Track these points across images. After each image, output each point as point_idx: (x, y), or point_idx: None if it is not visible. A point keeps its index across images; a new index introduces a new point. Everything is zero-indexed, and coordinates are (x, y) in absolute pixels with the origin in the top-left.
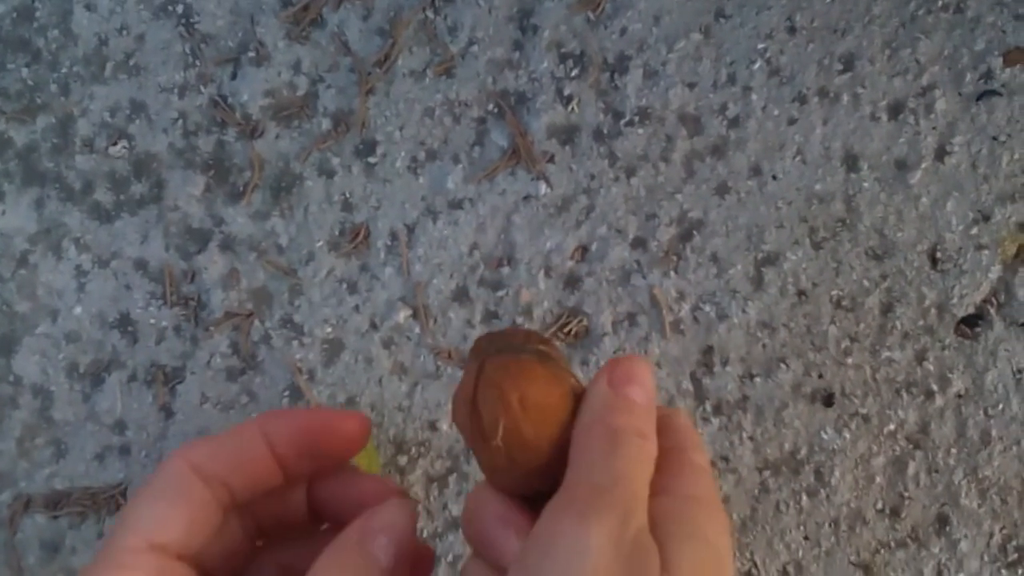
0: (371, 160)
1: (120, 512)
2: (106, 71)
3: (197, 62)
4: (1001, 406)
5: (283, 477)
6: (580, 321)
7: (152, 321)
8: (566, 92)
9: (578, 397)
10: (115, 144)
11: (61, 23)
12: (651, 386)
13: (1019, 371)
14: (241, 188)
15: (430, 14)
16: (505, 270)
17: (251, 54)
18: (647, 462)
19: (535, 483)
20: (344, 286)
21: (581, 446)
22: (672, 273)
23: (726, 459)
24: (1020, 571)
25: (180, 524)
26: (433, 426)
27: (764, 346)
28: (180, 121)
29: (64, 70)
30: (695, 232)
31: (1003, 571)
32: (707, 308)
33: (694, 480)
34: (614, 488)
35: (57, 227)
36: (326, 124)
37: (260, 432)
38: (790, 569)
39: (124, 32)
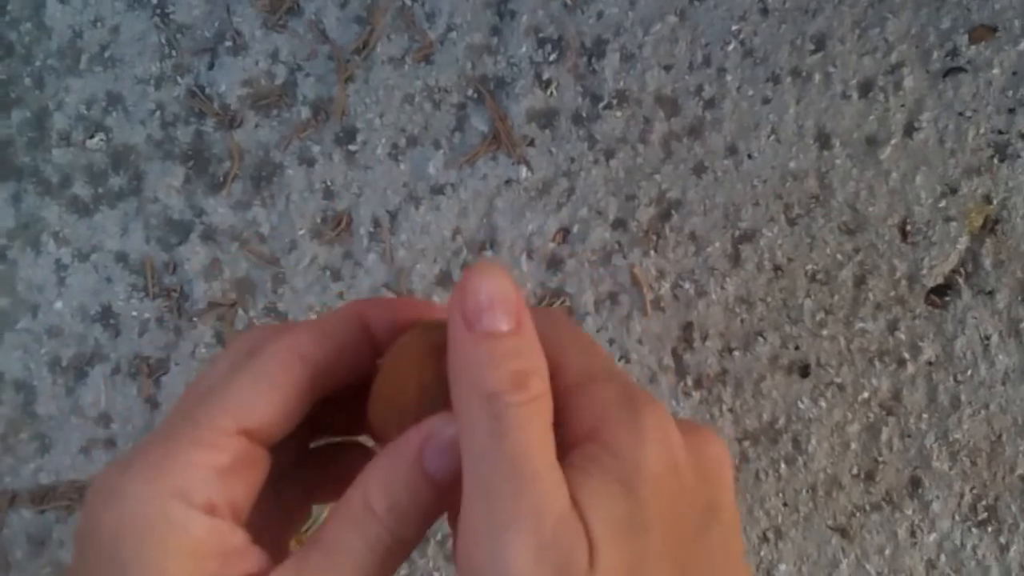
0: (352, 148)
1: (208, 383)
2: (81, 63)
3: (173, 53)
4: (970, 372)
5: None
6: (563, 302)
7: (134, 313)
8: (545, 76)
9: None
10: (92, 137)
11: (34, 16)
12: (511, 298)
13: (987, 338)
14: (221, 178)
15: (408, 1)
16: (488, 254)
17: (228, 44)
18: (540, 415)
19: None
20: (327, 273)
21: (464, 432)
22: (652, 252)
23: None
24: (989, 529)
25: (276, 412)
26: None
27: (742, 321)
28: (158, 112)
29: (38, 63)
30: (673, 212)
31: (973, 530)
32: (686, 285)
33: (597, 404)
34: (516, 493)
35: (35, 221)
36: (305, 112)
37: (360, 319)
38: (770, 535)
39: (98, 24)
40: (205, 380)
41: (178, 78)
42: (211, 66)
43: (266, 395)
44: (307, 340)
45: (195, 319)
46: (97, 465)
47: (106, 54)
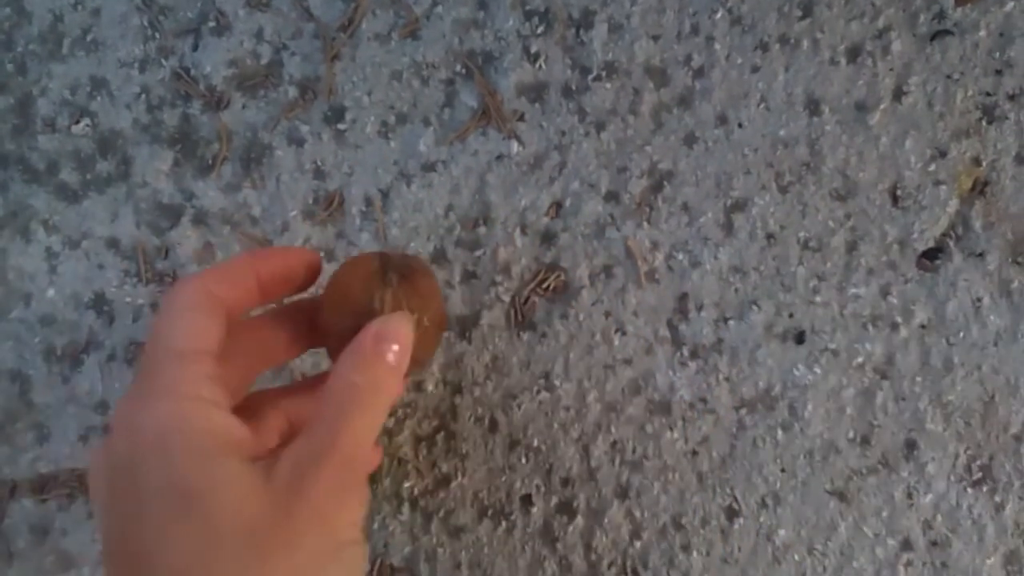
0: (341, 127)
1: (158, 316)
2: (63, 48)
3: (157, 35)
4: (962, 334)
5: (261, 300)
6: (558, 276)
7: (128, 299)
8: (533, 50)
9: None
10: (77, 122)
11: (13, 1)
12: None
13: (978, 300)
14: (210, 161)
15: None
16: (481, 230)
17: (211, 24)
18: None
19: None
20: (321, 254)
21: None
22: (645, 224)
23: (704, 400)
24: (984, 489)
25: (215, 333)
26: (419, 387)
27: (736, 290)
28: (143, 96)
29: (19, 49)
30: (665, 183)
31: (968, 490)
32: (680, 256)
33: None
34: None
35: (23, 209)
36: (293, 92)
37: (251, 264)
38: (768, 500)
39: (79, 7)
40: (157, 333)
41: (162, 60)
42: (195, 47)
43: (203, 319)
44: (211, 279)
45: None
46: None
47: (88, 38)
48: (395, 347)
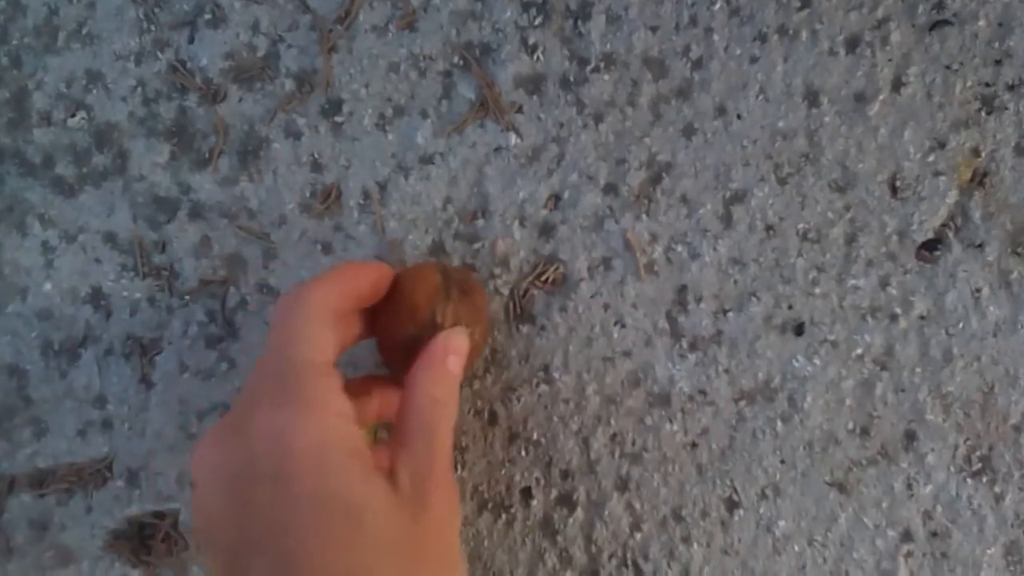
0: (338, 119)
1: (283, 328)
2: (58, 41)
3: (152, 27)
4: (961, 324)
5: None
6: (556, 268)
7: (125, 294)
8: (531, 41)
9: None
10: (73, 116)
11: None
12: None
13: (977, 290)
14: (207, 154)
15: None
16: (480, 222)
17: (207, 16)
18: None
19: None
20: (319, 247)
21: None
22: (644, 216)
23: (704, 392)
24: (984, 479)
25: (337, 347)
26: None
27: (735, 282)
28: (139, 89)
29: (15, 42)
30: (664, 174)
31: (968, 480)
32: (679, 248)
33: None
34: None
35: (19, 203)
36: (289, 85)
37: (355, 278)
38: (768, 492)
39: (74, 0)
40: (290, 341)
41: (158, 53)
42: (191, 40)
43: (329, 335)
44: (337, 296)
45: (187, 297)
46: (94, 447)
47: (83, 31)
48: (459, 361)
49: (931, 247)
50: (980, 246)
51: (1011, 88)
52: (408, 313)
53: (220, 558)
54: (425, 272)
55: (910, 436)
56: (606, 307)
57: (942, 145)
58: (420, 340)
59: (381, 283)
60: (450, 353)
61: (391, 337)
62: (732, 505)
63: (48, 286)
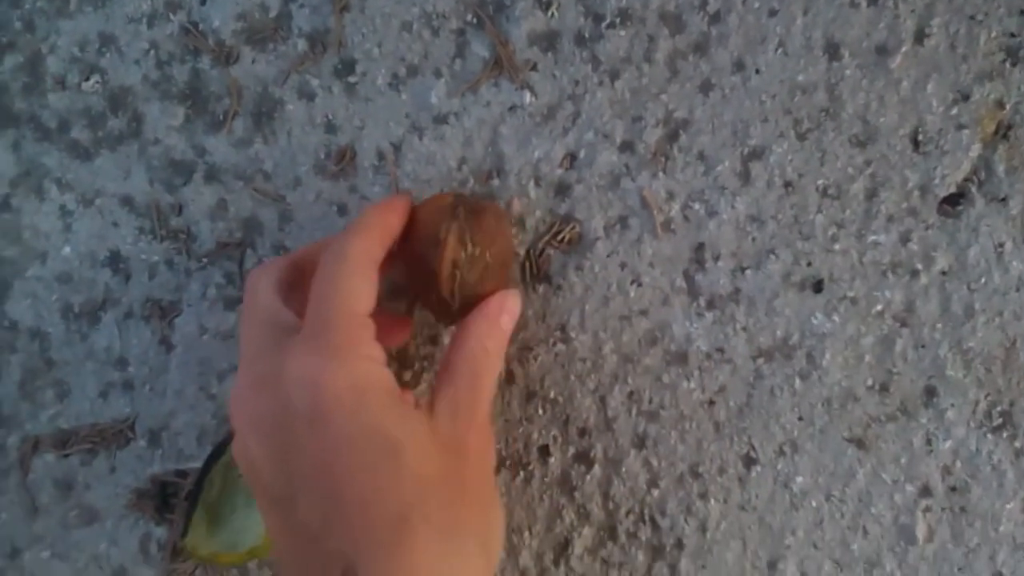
0: (351, 80)
1: (326, 280)
2: (71, 5)
3: None
4: (983, 280)
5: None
6: (573, 228)
7: (143, 256)
8: None
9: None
10: (87, 80)
11: None
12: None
13: (1000, 245)
14: (221, 116)
15: None
16: (495, 182)
17: None
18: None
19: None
20: (334, 208)
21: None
22: (661, 174)
23: (721, 351)
24: (1004, 435)
25: (373, 297)
26: (434, 340)
27: (754, 239)
28: (152, 52)
29: (28, 6)
30: (681, 132)
31: (988, 435)
32: (696, 206)
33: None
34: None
35: (36, 168)
36: (302, 45)
37: (388, 222)
38: (786, 448)
39: None
40: (331, 291)
41: (170, 15)
42: (203, 1)
43: (368, 286)
44: (376, 246)
45: (204, 260)
46: (116, 408)
47: None
48: (511, 320)
49: (953, 202)
50: (1004, 200)
51: None
52: (415, 232)
53: (266, 496)
54: (437, 196)
55: (930, 392)
56: (623, 266)
57: (965, 98)
58: (426, 259)
59: (406, 217)
60: (504, 312)
61: (404, 257)
62: (749, 461)
63: (67, 250)
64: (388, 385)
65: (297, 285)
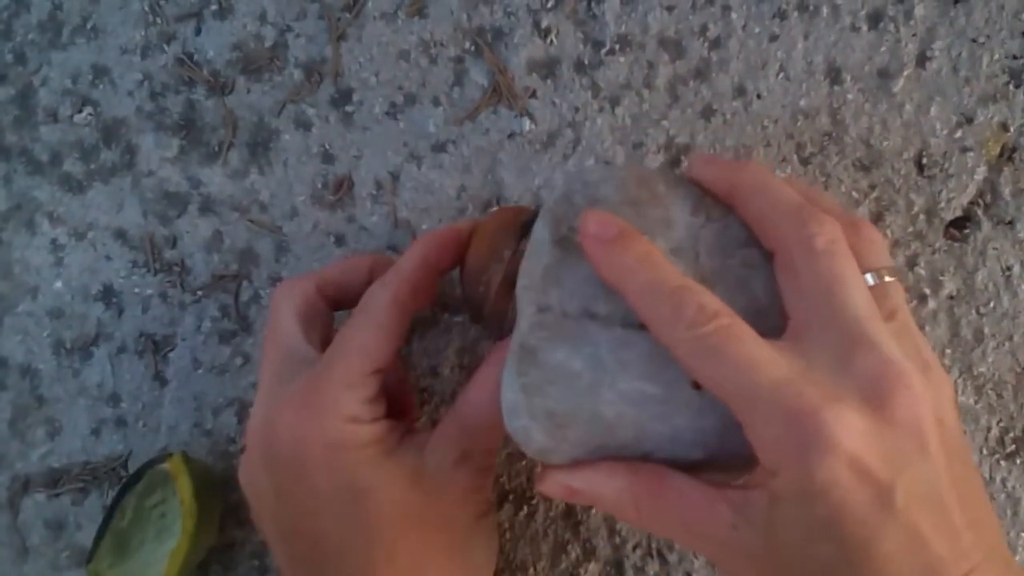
0: (348, 109)
1: (340, 337)
2: (63, 36)
3: (158, 20)
4: (992, 303)
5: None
6: None
7: (136, 290)
8: (543, 24)
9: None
10: (80, 111)
11: None
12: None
13: (1008, 268)
14: (216, 147)
15: None
16: (495, 210)
17: (213, 7)
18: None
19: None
20: (331, 239)
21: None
22: None
23: None
24: (1018, 461)
25: (391, 350)
26: (434, 372)
27: None
28: (146, 83)
29: (19, 39)
30: (683, 158)
31: (1002, 463)
32: None
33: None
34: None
35: (28, 202)
36: (298, 75)
37: (425, 259)
38: None
39: None
40: (344, 349)
41: (164, 46)
42: (198, 31)
43: (385, 340)
44: (403, 289)
45: (199, 292)
46: (108, 445)
47: (88, 25)
48: None
49: (960, 225)
50: (1010, 223)
51: None
52: (467, 265)
53: (267, 529)
54: (503, 210)
55: None
56: None
57: (969, 120)
58: (488, 271)
59: (457, 250)
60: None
61: (464, 271)
62: None
63: (58, 284)
64: (365, 440)
65: (319, 314)
